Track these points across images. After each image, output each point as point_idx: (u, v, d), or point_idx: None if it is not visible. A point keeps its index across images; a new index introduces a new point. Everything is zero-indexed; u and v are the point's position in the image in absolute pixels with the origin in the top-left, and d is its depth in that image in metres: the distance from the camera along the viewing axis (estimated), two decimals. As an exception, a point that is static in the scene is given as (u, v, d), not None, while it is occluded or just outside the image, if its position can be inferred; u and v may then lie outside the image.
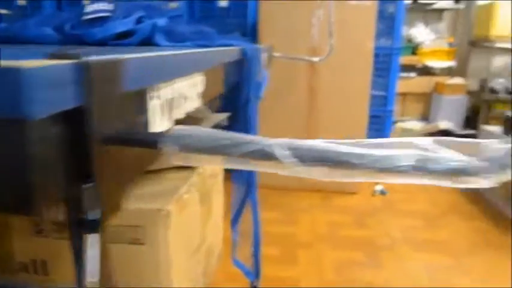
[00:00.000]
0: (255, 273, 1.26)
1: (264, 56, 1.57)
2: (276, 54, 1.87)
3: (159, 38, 0.89)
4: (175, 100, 0.47)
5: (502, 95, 3.47)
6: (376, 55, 2.53)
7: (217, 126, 1.36)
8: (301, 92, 2.22)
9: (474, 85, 3.72)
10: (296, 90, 2.23)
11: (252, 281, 1.25)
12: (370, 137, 2.57)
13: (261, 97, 1.08)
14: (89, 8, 0.95)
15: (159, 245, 0.97)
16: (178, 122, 0.46)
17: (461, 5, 3.80)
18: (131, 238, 0.97)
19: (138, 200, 0.99)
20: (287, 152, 0.26)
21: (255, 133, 1.05)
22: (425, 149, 0.28)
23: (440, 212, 2.17)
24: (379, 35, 2.52)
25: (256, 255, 1.23)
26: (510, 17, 3.42)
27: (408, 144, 0.28)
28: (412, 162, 0.26)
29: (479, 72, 3.75)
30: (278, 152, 0.26)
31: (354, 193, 2.34)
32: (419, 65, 3.79)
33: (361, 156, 0.26)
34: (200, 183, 1.22)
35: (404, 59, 3.69)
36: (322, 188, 2.33)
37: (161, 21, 0.91)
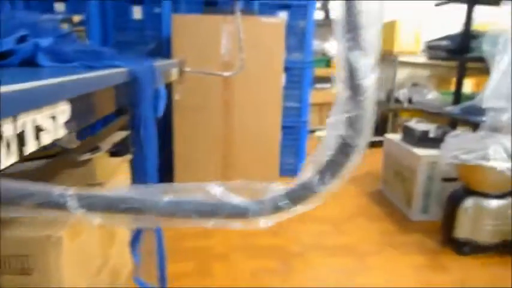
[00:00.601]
0: (162, 290, 1.24)
1: (173, 71, 1.57)
2: (187, 69, 1.88)
3: (41, 59, 0.86)
4: (27, 134, 0.46)
5: (406, 105, 3.81)
6: (289, 69, 2.65)
7: (118, 145, 1.34)
8: (216, 105, 2.25)
9: (382, 95, 4.03)
10: (210, 104, 2.25)
11: (157, 299, 1.24)
12: (285, 147, 2.67)
13: (159, 116, 1.08)
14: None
15: (50, 273, 0.93)
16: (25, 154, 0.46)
17: (369, 22, 4.11)
18: (19, 268, 0.92)
19: (28, 228, 0.94)
20: (76, 203, 0.27)
21: (152, 152, 1.05)
22: (213, 195, 0.31)
23: (348, 215, 2.31)
24: (291, 49, 2.65)
25: (162, 271, 1.22)
26: (410, 34, 3.76)
27: (200, 190, 0.31)
28: (197, 208, 0.28)
29: (386, 83, 4.07)
30: (69, 203, 0.27)
31: (271, 202, 2.41)
32: (334, 77, 4.02)
33: (150, 203, 0.28)
34: (101, 204, 1.19)
35: (320, 71, 3.90)
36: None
37: (45, 41, 0.88)
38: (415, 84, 3.99)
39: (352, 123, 0.34)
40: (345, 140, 0.34)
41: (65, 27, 1.58)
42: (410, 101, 3.75)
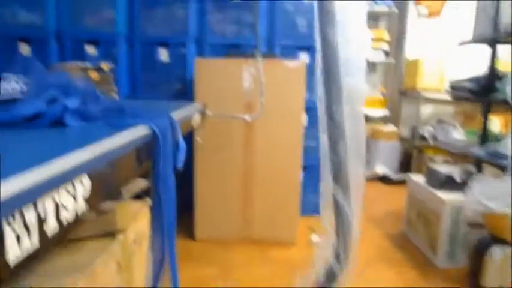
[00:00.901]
0: None
1: (196, 117, 1.62)
2: (209, 113, 1.94)
3: (68, 119, 0.91)
4: (48, 215, 0.49)
5: (431, 142, 3.74)
6: (311, 109, 2.67)
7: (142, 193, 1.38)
8: (237, 145, 2.29)
9: (405, 132, 3.98)
10: (231, 144, 2.29)
11: None
12: (306, 186, 2.66)
13: (179, 167, 1.11)
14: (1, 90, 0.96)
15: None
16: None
17: (392, 60, 4.13)
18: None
19: (45, 276, 0.97)
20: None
21: (171, 205, 1.07)
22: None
23: (369, 260, 2.25)
24: (312, 90, 2.68)
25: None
26: (434, 72, 3.75)
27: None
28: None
29: (410, 120, 4.04)
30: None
31: (291, 244, 2.39)
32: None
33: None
34: (121, 251, 1.21)
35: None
36: (261, 240, 2.36)
37: (72, 102, 0.94)
38: (440, 121, 3.94)
39: (338, 256, 0.35)
40: (331, 269, 0.35)
41: (95, 76, 1.67)
42: (435, 138, 3.68)
